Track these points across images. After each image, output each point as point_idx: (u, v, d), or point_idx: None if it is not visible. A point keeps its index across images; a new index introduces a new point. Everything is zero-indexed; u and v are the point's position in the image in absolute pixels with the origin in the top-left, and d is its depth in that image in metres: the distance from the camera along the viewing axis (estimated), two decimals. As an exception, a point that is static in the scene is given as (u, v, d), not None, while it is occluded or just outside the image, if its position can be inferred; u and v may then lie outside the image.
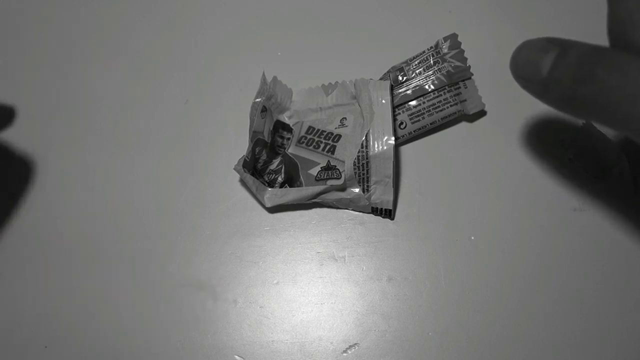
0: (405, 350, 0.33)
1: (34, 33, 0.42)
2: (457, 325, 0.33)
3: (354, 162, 0.33)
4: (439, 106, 0.36)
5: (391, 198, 0.34)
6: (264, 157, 0.36)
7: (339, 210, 0.36)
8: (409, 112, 0.36)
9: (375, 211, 0.35)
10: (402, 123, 0.36)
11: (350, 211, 0.36)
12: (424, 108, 0.36)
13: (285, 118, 0.37)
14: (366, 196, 0.34)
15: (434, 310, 0.34)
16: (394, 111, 0.35)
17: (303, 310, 0.34)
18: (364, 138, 0.33)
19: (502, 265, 0.34)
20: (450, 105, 0.36)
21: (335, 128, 0.35)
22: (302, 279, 0.35)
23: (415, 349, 0.33)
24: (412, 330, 0.33)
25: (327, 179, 0.34)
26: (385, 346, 0.33)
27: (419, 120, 0.36)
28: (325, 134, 0.35)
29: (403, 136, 0.36)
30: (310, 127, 0.36)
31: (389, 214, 0.35)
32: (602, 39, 0.27)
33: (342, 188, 0.34)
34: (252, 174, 0.35)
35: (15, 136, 0.39)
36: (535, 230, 0.35)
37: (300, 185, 0.35)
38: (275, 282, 0.35)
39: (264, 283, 0.35)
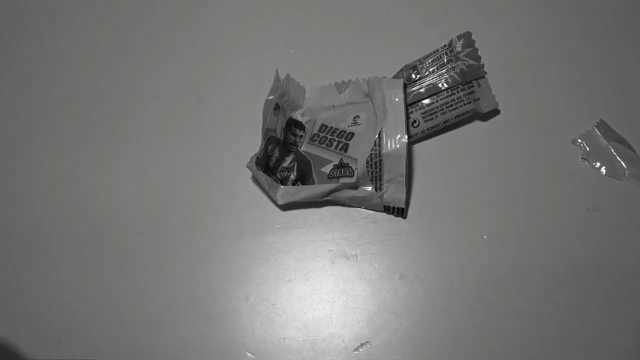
0: (417, 348, 0.33)
1: (48, 27, 0.42)
2: (469, 324, 0.33)
3: (367, 160, 0.33)
4: (452, 104, 0.36)
5: (403, 197, 0.34)
6: (276, 154, 0.36)
7: (351, 208, 0.36)
8: (422, 110, 0.36)
9: (388, 209, 0.35)
10: (415, 121, 0.36)
11: (363, 209, 0.36)
12: (437, 106, 0.36)
13: (297, 116, 0.37)
14: (378, 194, 0.34)
15: (445, 308, 0.33)
16: (407, 109, 0.35)
17: (315, 307, 0.34)
18: (376, 136, 0.33)
19: (515, 264, 0.34)
20: (464, 104, 0.36)
21: (348, 126, 0.35)
22: (314, 277, 0.35)
23: (427, 348, 0.33)
24: (424, 328, 0.33)
25: (339, 177, 0.34)
26: (397, 344, 0.33)
27: (432, 119, 0.36)
28: (338, 131, 0.35)
29: (416, 134, 0.36)
30: (323, 124, 0.36)
31: (401, 212, 0.35)
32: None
33: (355, 186, 0.34)
34: (265, 172, 0.35)
35: (28, 132, 0.39)
36: (548, 229, 0.35)
37: (312, 183, 0.35)
38: (287, 279, 0.35)
39: (276, 280, 0.35)
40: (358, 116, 0.35)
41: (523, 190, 0.35)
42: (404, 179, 0.33)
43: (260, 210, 0.36)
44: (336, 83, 0.37)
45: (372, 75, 0.36)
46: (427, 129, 0.36)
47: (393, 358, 0.33)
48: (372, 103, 0.35)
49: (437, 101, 0.36)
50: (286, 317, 0.34)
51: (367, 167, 0.33)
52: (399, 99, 0.34)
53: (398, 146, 0.33)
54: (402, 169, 0.33)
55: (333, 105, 0.37)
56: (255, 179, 0.37)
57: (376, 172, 0.33)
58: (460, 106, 0.36)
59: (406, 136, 0.33)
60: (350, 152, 0.34)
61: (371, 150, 0.33)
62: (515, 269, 0.34)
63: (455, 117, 0.36)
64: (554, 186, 0.36)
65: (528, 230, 0.35)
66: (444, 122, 0.36)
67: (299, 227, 0.36)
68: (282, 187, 0.35)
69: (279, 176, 0.36)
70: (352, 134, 0.35)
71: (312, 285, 0.35)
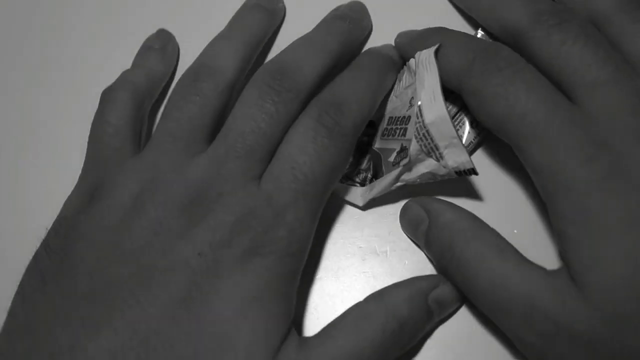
0: (450, 345, 0.33)
1: (36, 32, 0.43)
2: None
3: (414, 135, 0.32)
4: None
5: (467, 157, 0.31)
6: (350, 160, 0.36)
7: (380, 204, 0.36)
8: None
9: (460, 174, 0.32)
10: (473, 122, 0.35)
11: (392, 204, 0.36)
12: None
13: None
14: (442, 164, 0.32)
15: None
16: (441, 78, 0.33)
17: (346, 305, 0.34)
18: (417, 109, 0.32)
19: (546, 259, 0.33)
20: None
21: (406, 110, 0.34)
22: (344, 274, 0.35)
23: (460, 344, 0.33)
24: (455, 325, 0.33)
25: (399, 162, 0.34)
26: (428, 342, 0.33)
27: None
28: (400, 119, 0.35)
29: (475, 138, 0.35)
30: (390, 117, 0.36)
31: (472, 171, 0.32)
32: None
33: (411, 166, 0.33)
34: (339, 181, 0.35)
35: (20, 141, 0.40)
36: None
37: (382, 175, 0.35)
38: (317, 277, 0.35)
39: (306, 278, 0.35)
40: (413, 97, 0.34)
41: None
42: (458, 140, 0.31)
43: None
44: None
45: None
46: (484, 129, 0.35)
47: (426, 355, 0.33)
48: (415, 80, 0.34)
49: None
50: (317, 315, 0.34)
51: (417, 141, 0.32)
52: (431, 65, 0.33)
53: (438, 111, 0.31)
54: (452, 131, 0.31)
55: (395, 96, 0.36)
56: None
57: (429, 143, 0.32)
58: None
59: (442, 98, 0.31)
60: (407, 135, 0.34)
61: (415, 124, 0.32)
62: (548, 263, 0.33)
63: None
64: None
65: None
66: None
67: (328, 225, 0.36)
68: (360, 189, 0.35)
69: (357, 179, 0.36)
70: (409, 117, 0.34)
71: (343, 283, 0.35)
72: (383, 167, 0.35)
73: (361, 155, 0.37)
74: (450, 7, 0.39)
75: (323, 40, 0.35)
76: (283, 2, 0.40)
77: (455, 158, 0.32)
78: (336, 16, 0.38)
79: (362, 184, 0.36)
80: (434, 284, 0.32)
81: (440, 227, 0.31)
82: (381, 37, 0.39)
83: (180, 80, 0.35)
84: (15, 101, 0.41)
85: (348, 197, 0.36)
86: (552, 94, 0.28)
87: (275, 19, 0.39)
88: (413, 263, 0.34)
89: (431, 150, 0.32)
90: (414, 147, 0.32)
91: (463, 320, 0.33)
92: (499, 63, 0.29)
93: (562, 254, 0.27)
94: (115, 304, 0.27)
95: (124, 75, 0.37)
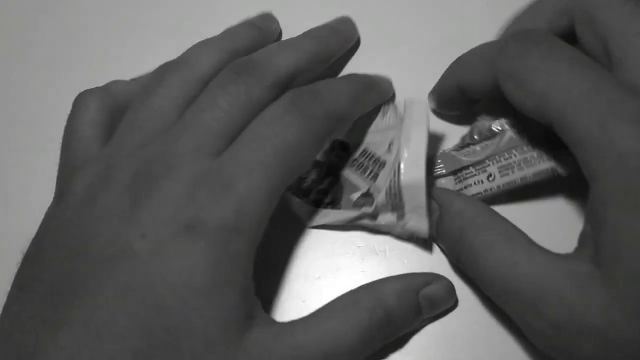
0: (449, 344, 0.33)
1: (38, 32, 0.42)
2: (501, 319, 0.33)
3: (386, 191, 0.32)
4: (531, 161, 0.33)
5: (426, 227, 0.32)
6: (312, 176, 0.35)
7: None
8: (500, 164, 0.34)
9: (412, 239, 0.34)
10: (491, 175, 0.34)
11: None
12: (515, 162, 0.33)
13: (345, 138, 0.36)
14: (401, 224, 0.33)
15: (475, 303, 0.34)
16: (429, 139, 0.33)
17: (346, 304, 0.34)
18: (396, 166, 0.32)
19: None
20: (543, 161, 0.33)
21: (383, 154, 0.35)
22: (343, 274, 0.35)
23: (458, 343, 0.33)
24: (455, 323, 0.33)
25: (362, 206, 0.34)
26: (428, 339, 0.33)
27: (508, 174, 0.33)
28: (374, 159, 0.35)
29: (491, 189, 0.34)
30: (364, 150, 0.36)
31: (425, 243, 0.34)
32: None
33: (374, 216, 0.34)
34: (295, 194, 0.35)
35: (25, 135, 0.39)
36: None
37: (340, 209, 0.35)
38: (317, 277, 0.35)
39: (306, 278, 0.35)
40: (392, 143, 0.34)
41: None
42: (424, 209, 0.32)
43: (289, 210, 0.36)
44: (383, 106, 0.37)
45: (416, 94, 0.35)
46: (502, 185, 0.34)
47: (422, 355, 0.33)
48: (402, 129, 0.34)
49: (515, 156, 0.34)
50: (317, 315, 0.34)
51: (387, 197, 0.33)
52: (422, 125, 0.33)
53: (417, 177, 0.31)
54: (422, 201, 0.32)
55: (377, 131, 0.36)
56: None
57: (396, 202, 0.32)
58: (540, 163, 0.33)
59: (425, 164, 0.32)
60: (378, 182, 0.34)
61: (390, 180, 0.32)
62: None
63: (533, 175, 0.33)
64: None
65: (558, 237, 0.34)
66: (521, 179, 0.33)
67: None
68: (310, 208, 0.35)
69: (312, 198, 0.36)
70: (385, 163, 0.34)
71: (342, 282, 0.35)
72: (342, 201, 0.35)
73: (325, 176, 0.36)
74: (443, 17, 0.40)
75: (297, 41, 0.35)
76: (278, 24, 0.40)
77: (415, 224, 0.32)
78: (318, 26, 0.38)
79: (316, 204, 0.35)
80: (427, 282, 0.32)
81: (451, 217, 0.31)
82: (374, 45, 0.40)
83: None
84: (12, 109, 0.41)
85: (297, 212, 0.35)
86: (596, 67, 0.26)
87: (266, 37, 0.38)
88: (412, 262, 0.35)
89: (396, 207, 0.33)
90: (381, 201, 0.33)
91: (460, 320, 0.33)
92: (536, 38, 0.27)
93: (594, 238, 0.25)
94: (71, 301, 0.26)
95: (107, 84, 0.36)
